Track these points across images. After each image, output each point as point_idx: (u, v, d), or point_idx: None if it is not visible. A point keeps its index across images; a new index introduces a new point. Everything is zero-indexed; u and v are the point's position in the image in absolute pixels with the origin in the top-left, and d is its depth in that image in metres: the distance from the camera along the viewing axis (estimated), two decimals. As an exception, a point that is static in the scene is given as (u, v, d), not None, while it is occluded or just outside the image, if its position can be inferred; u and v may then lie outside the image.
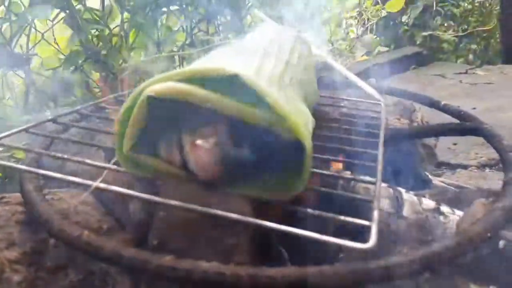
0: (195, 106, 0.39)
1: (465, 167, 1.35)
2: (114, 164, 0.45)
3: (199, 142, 0.39)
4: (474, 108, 1.83)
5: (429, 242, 0.40)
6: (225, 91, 0.39)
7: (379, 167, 0.49)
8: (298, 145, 0.40)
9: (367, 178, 0.48)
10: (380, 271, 0.34)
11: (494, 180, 1.28)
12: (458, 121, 0.69)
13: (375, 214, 0.39)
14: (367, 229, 0.38)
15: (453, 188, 0.93)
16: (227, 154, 0.40)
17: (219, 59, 0.45)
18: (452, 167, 1.33)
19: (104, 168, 0.45)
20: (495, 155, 1.45)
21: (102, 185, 0.41)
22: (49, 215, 0.42)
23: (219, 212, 0.37)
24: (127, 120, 0.41)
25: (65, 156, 0.47)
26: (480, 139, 1.56)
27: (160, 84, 0.39)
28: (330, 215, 0.40)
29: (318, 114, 0.67)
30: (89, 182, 0.41)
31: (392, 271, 0.35)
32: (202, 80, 0.39)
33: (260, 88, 0.38)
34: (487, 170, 1.34)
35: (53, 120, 0.56)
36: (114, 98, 0.68)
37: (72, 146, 0.71)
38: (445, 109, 0.73)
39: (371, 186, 0.55)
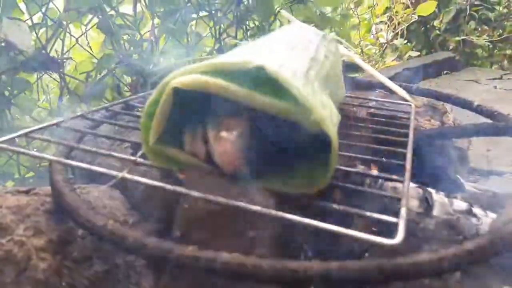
0: (220, 99, 0.39)
1: (499, 174, 1.30)
2: (140, 157, 0.45)
3: (223, 134, 0.39)
4: (509, 114, 1.77)
5: (460, 241, 0.38)
6: (250, 84, 0.39)
7: (408, 165, 0.48)
8: (324, 139, 0.39)
9: (395, 177, 0.47)
10: (407, 268, 0.33)
11: (531, 188, 1.23)
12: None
13: (403, 211, 0.38)
14: (395, 226, 0.37)
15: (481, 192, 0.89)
16: (251, 146, 0.40)
17: (244, 53, 0.45)
18: (486, 173, 1.28)
19: (130, 160, 0.45)
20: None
21: (128, 176, 0.41)
22: (76, 204, 0.43)
23: (242, 204, 0.37)
24: (153, 112, 0.42)
25: (93, 149, 0.48)
26: (516, 145, 1.48)
27: (186, 76, 0.39)
28: (356, 210, 0.39)
29: (345, 113, 0.67)
30: (114, 172, 0.42)
31: (420, 268, 0.33)
32: (227, 72, 0.39)
33: (286, 80, 0.38)
34: (524, 177, 1.29)
35: (83, 116, 0.58)
36: (143, 96, 0.69)
37: (102, 144, 0.73)
38: (478, 110, 0.70)
39: (399, 186, 0.54)
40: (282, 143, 0.42)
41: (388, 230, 0.43)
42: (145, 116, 0.43)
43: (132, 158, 0.46)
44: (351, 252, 0.49)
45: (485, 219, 0.50)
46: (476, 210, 0.51)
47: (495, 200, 0.65)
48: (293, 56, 0.46)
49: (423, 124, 0.77)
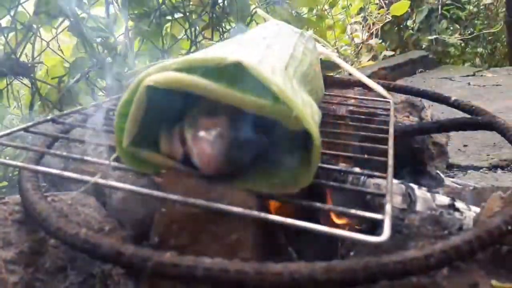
0: (197, 97, 0.38)
1: (476, 168, 1.32)
2: (114, 160, 0.43)
3: (201, 134, 0.37)
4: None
5: (445, 237, 0.37)
6: (228, 80, 0.37)
7: (390, 161, 0.47)
8: (305, 137, 0.38)
9: (378, 174, 0.46)
10: (394, 266, 0.32)
11: (507, 181, 1.25)
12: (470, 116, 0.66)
13: (388, 207, 0.37)
14: (380, 223, 0.36)
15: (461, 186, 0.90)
16: (230, 146, 0.38)
17: (220, 49, 0.44)
18: (463, 168, 1.30)
19: (103, 164, 0.43)
20: (506, 155, 1.42)
21: (101, 181, 0.39)
22: (47, 213, 0.40)
23: (222, 206, 0.35)
24: (126, 113, 0.40)
25: (64, 154, 0.45)
26: (491, 141, 1.53)
27: (159, 74, 0.37)
28: (340, 209, 0.38)
29: (324, 111, 0.66)
30: (87, 177, 0.39)
31: (408, 266, 0.32)
32: (202, 69, 0.38)
33: (265, 76, 0.36)
34: (499, 171, 1.31)
35: (53, 120, 0.55)
36: (118, 98, 0.66)
37: (74, 149, 0.70)
38: (455, 105, 0.71)
39: (381, 182, 0.53)
40: (262, 142, 0.40)
41: (372, 227, 0.42)
42: (118, 117, 0.41)
43: (106, 162, 0.44)
44: (335, 251, 0.49)
45: (468, 213, 0.50)
46: (459, 204, 0.51)
47: (475, 195, 0.65)
48: (271, 53, 0.45)
49: (402, 120, 0.77)
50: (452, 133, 0.91)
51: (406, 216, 0.40)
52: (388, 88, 0.82)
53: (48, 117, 0.54)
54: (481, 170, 1.30)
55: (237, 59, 0.37)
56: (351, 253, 0.44)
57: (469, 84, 2.28)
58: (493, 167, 1.32)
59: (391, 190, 0.40)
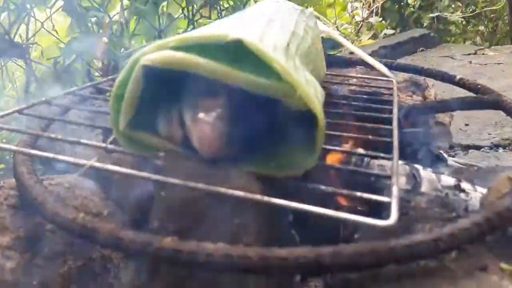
0: (195, 77, 0.36)
1: (477, 147, 1.31)
2: (111, 143, 0.42)
3: (201, 115, 0.36)
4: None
5: (453, 219, 0.36)
6: (227, 59, 0.36)
7: (395, 142, 0.46)
8: (309, 117, 0.37)
9: (383, 155, 0.45)
10: (402, 250, 0.31)
11: (508, 160, 1.24)
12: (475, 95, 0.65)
13: (395, 190, 0.36)
14: (386, 206, 0.35)
15: (465, 167, 0.89)
16: (231, 128, 0.37)
17: (219, 27, 0.42)
18: (464, 148, 1.29)
19: (100, 147, 0.42)
20: (508, 134, 1.41)
21: (97, 164, 0.38)
22: (42, 197, 0.39)
23: (224, 190, 0.34)
24: (122, 94, 0.38)
25: (59, 137, 0.44)
26: (493, 119, 1.51)
27: (156, 53, 0.35)
28: (346, 191, 0.36)
29: (326, 91, 0.64)
30: (83, 161, 0.38)
31: (416, 249, 0.31)
32: (201, 47, 0.36)
33: (267, 54, 0.35)
34: (501, 150, 1.30)
35: (48, 102, 0.53)
36: (114, 79, 0.64)
37: (70, 131, 0.68)
38: (461, 84, 0.69)
39: (386, 163, 0.52)
40: (264, 124, 0.39)
41: (376, 208, 0.41)
42: (114, 98, 0.39)
43: (102, 144, 0.42)
44: (337, 232, 0.48)
45: (474, 194, 0.49)
46: (465, 185, 0.50)
47: (480, 175, 0.65)
48: (272, 30, 0.43)
49: (405, 100, 0.75)
50: (454, 112, 0.90)
51: (412, 198, 0.39)
52: (391, 67, 0.80)
53: (44, 99, 0.53)
54: (482, 149, 1.29)
55: (238, 37, 0.35)
56: (356, 236, 0.43)
57: (470, 62, 2.25)
58: (495, 146, 1.31)
59: (397, 171, 0.39)
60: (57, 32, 1.25)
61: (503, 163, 1.21)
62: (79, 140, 0.43)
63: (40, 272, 0.40)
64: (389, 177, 0.39)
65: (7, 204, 0.43)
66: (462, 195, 0.49)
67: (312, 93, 0.36)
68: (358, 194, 0.36)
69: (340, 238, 0.47)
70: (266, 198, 0.33)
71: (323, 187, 0.37)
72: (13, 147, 0.42)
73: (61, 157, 0.39)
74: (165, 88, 0.40)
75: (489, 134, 1.38)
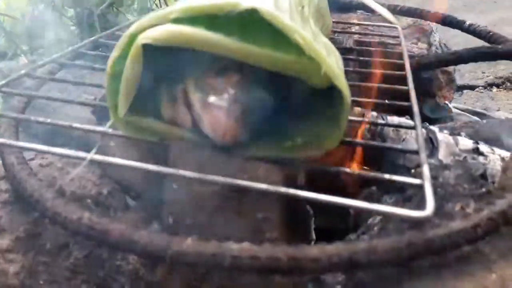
0: (203, 52, 0.31)
1: (472, 87, 1.30)
2: (110, 127, 0.38)
3: (212, 100, 0.32)
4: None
5: (483, 196, 0.34)
6: (239, 31, 0.31)
7: (415, 108, 0.42)
8: (330, 91, 0.33)
9: (403, 121, 0.42)
10: (441, 241, 0.29)
11: (503, 100, 1.24)
12: (487, 45, 0.61)
13: (426, 170, 0.33)
14: (416, 189, 0.33)
15: (468, 114, 0.87)
16: (246, 109, 0.33)
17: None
18: (459, 88, 1.27)
19: (98, 132, 0.38)
20: (502, 72, 1.39)
21: (98, 157, 0.34)
22: (40, 193, 0.35)
23: (244, 183, 0.31)
24: (119, 73, 0.33)
25: (48, 121, 0.39)
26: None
27: (156, 29, 0.30)
28: (373, 173, 0.34)
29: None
30: (82, 154, 0.34)
31: (455, 239, 0.29)
32: (208, 18, 0.31)
33: (286, 24, 0.30)
34: (495, 89, 1.29)
35: (28, 75, 0.48)
36: (92, 42, 0.58)
37: (54, 103, 0.63)
38: (470, 30, 0.65)
39: (400, 128, 0.49)
40: (281, 101, 0.35)
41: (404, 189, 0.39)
42: (109, 78, 0.34)
43: (100, 128, 0.38)
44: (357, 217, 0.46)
45: (493, 157, 0.47)
46: (483, 147, 0.48)
47: (487, 127, 0.63)
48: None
49: (411, 49, 0.71)
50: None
51: (440, 173, 0.37)
52: (395, 11, 0.75)
53: (22, 72, 0.47)
54: (476, 90, 1.27)
55: (252, 5, 0.30)
56: (375, 221, 0.40)
57: (461, -7, 2.17)
58: (489, 85, 1.29)
59: (424, 146, 0.36)
60: (22, -23, 1.14)
61: (498, 103, 1.20)
62: (71, 124, 0.39)
63: (45, 269, 0.38)
64: (415, 152, 0.36)
65: (0, 202, 0.39)
66: (481, 158, 0.47)
67: (335, 66, 0.32)
68: (387, 176, 0.33)
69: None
70: (292, 191, 0.31)
71: (348, 170, 0.34)
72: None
73: (54, 149, 0.35)
74: (166, 64, 0.35)
75: (483, 72, 1.36)
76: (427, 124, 0.61)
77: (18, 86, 0.50)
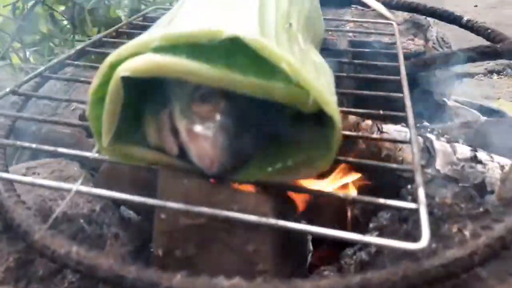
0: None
1: (471, 75, 1.28)
2: (97, 151, 0.37)
3: (198, 129, 0.31)
4: (476, 6, 1.69)
5: (480, 216, 0.34)
6: (223, 57, 0.30)
7: (410, 120, 0.41)
8: (322, 113, 0.32)
9: (399, 129, 0.41)
10: (437, 271, 0.29)
11: (503, 88, 1.22)
12: (487, 42, 0.59)
13: (421, 193, 0.32)
14: (413, 213, 0.32)
15: (466, 107, 0.86)
16: (235, 137, 0.32)
17: (203, 14, 0.34)
18: (458, 76, 1.25)
19: (84, 157, 0.37)
20: (502, 60, 1.36)
21: (84, 189, 0.33)
22: (28, 224, 0.35)
23: (233, 214, 0.30)
24: (101, 100, 0.32)
25: (33, 146, 0.38)
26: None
27: (136, 60, 0.29)
28: (367, 199, 0.33)
29: (324, 46, 0.58)
30: (67, 185, 0.33)
31: (451, 268, 0.29)
32: (190, 45, 0.29)
33: (272, 51, 0.28)
34: (495, 76, 1.27)
35: (14, 92, 0.46)
36: (77, 52, 0.56)
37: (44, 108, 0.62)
38: (468, 26, 0.63)
39: (388, 129, 0.48)
40: (270, 126, 0.34)
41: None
42: (92, 105, 0.33)
43: (88, 154, 0.37)
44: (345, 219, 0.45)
45: (491, 165, 0.46)
46: (481, 155, 0.47)
47: (484, 128, 0.61)
48: (268, 4, 0.36)
49: (407, 46, 0.69)
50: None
51: (437, 192, 0.36)
52: (391, 6, 0.73)
53: (7, 89, 0.46)
54: (476, 77, 1.26)
55: (235, 33, 0.28)
56: (370, 225, 0.40)
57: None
58: (489, 72, 1.27)
59: (419, 164, 0.35)
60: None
61: (498, 91, 1.19)
62: (56, 149, 0.37)
63: (37, 298, 0.37)
64: (410, 171, 0.35)
65: (-13, 232, 0.38)
66: (479, 166, 0.46)
67: (326, 92, 0.31)
68: (381, 200, 0.32)
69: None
70: (281, 223, 0.30)
71: (341, 194, 0.33)
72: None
73: (39, 181, 0.34)
74: (151, 88, 0.34)
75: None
76: (425, 122, 0.60)
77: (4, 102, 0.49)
